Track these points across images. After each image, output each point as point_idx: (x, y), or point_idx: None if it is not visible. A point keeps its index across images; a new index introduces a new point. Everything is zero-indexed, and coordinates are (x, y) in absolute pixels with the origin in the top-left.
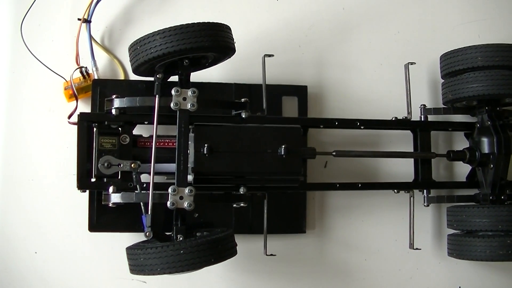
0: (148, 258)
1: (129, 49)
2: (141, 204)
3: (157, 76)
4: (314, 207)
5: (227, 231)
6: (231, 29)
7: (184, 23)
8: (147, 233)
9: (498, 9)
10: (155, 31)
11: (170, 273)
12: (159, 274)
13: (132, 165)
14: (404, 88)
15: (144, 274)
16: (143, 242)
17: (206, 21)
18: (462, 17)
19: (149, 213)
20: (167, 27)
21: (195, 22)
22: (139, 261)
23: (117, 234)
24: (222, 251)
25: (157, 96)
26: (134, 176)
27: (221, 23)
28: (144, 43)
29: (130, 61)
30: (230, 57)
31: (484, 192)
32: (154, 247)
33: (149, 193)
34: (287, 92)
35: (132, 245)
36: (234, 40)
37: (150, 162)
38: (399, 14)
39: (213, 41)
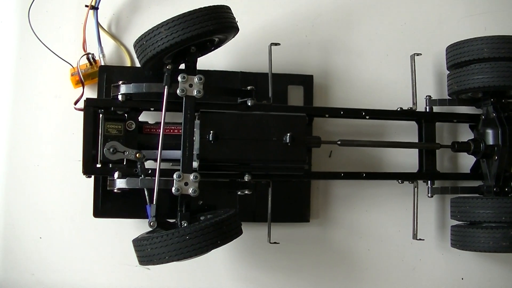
0: (155, 247)
1: (135, 46)
2: (146, 194)
3: (167, 67)
4: (318, 196)
5: (230, 212)
6: (230, 8)
7: (188, 10)
8: (151, 223)
9: (504, 1)
10: (159, 24)
11: (178, 259)
12: (168, 262)
13: (137, 155)
14: (410, 79)
15: (153, 264)
16: (148, 232)
17: (207, 6)
18: (469, 9)
19: (154, 202)
20: (170, 17)
21: (197, 8)
22: (147, 252)
23: (122, 220)
24: (227, 231)
25: (166, 87)
26: (139, 166)
27: (221, 5)
28: (150, 37)
29: (138, 57)
30: (234, 37)
31: (488, 184)
32: (160, 236)
33: (154, 178)
34: (293, 81)
35: (137, 237)
36: (236, 19)
37: (156, 149)
38: (405, 5)
39: (218, 23)
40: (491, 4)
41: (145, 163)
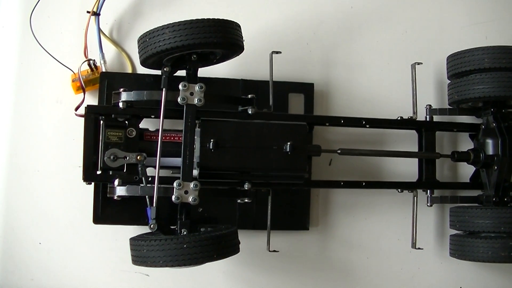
0: (151, 250)
1: (138, 41)
2: (147, 196)
3: (164, 69)
4: (318, 205)
5: (231, 228)
6: (241, 26)
7: (192, 18)
8: (152, 225)
9: (506, 11)
10: (165, 25)
11: (172, 266)
12: (161, 266)
13: (138, 157)
14: (410, 88)
15: (146, 266)
16: (147, 234)
17: (216, 18)
18: (470, 18)
19: (154, 205)
20: (177, 21)
21: (206, 18)
22: (142, 253)
23: (121, 226)
24: (225, 247)
25: (163, 89)
26: (139, 169)
27: (231, 20)
28: (153, 35)
29: (139, 53)
30: (238, 55)
31: (487, 194)
32: (158, 239)
33: (154, 186)
34: (294, 89)
35: (136, 236)
36: (243, 38)
37: (156, 156)
38: (407, 14)
39: (222, 37)
40: (492, 13)
41: (146, 170)
